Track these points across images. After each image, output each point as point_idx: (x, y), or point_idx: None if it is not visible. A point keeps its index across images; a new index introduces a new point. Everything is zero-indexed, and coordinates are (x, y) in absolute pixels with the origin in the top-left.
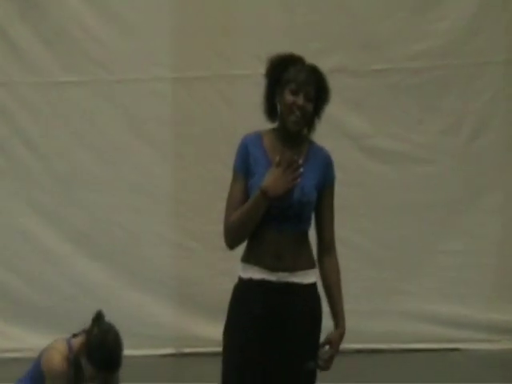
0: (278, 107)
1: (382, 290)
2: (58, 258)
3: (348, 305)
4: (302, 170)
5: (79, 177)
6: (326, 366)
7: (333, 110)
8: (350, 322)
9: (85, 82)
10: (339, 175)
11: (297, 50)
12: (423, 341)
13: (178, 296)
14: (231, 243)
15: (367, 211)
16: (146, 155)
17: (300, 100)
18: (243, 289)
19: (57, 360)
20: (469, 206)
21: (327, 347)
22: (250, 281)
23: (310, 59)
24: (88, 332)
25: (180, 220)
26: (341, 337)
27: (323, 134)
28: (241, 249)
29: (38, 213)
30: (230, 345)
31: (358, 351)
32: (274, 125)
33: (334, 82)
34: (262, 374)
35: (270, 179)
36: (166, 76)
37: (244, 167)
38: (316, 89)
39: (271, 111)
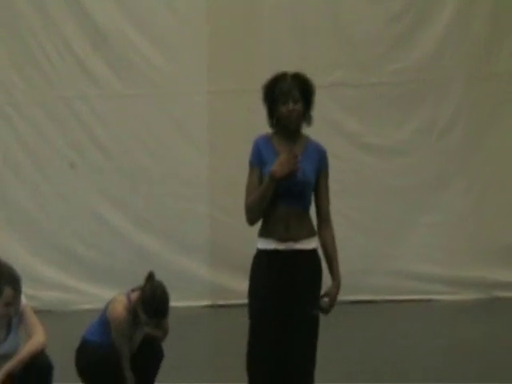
0: (278, 117)
1: (373, 253)
2: (121, 233)
3: (346, 265)
4: (300, 157)
5: (138, 171)
6: (327, 312)
7: (334, 114)
8: (347, 279)
9: (141, 95)
10: (339, 165)
11: (308, 67)
12: (404, 293)
13: (213, 259)
14: (251, 220)
15: (361, 192)
16: (188, 151)
17: (290, 106)
18: (261, 257)
19: (119, 310)
20: (439, 189)
21: (326, 298)
22: (265, 251)
23: (318, 74)
24: (142, 288)
25: (215, 199)
26: (337, 289)
27: (326, 134)
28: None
29: (107, 199)
30: (254, 301)
31: (354, 302)
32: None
33: (336, 93)
34: (279, 320)
35: (276, 165)
36: (203, 89)
37: (257, 161)
38: (301, 89)
39: (273, 124)
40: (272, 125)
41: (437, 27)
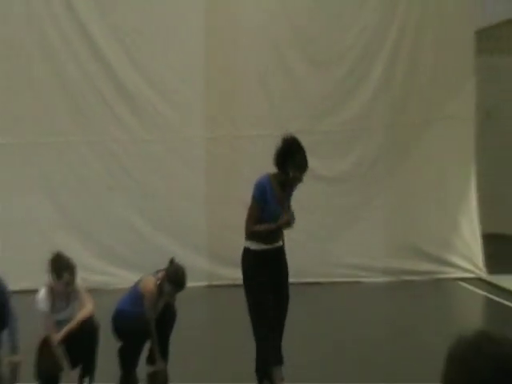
0: (288, 175)
1: (319, 250)
2: (142, 235)
3: (300, 259)
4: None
5: (153, 192)
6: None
7: None
8: (301, 268)
9: (155, 140)
10: (299, 190)
11: (275, 118)
12: (340, 277)
13: (209, 250)
14: (250, 236)
15: (314, 209)
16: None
17: (302, 178)
18: (253, 255)
19: (151, 285)
20: (365, 205)
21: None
22: (256, 250)
23: (282, 124)
24: (167, 268)
25: (211, 212)
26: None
27: None
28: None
29: (137, 213)
30: (253, 281)
31: (303, 283)
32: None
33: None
34: (272, 290)
35: (283, 221)
36: (201, 135)
37: (262, 200)
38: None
39: (280, 169)
40: (279, 169)
41: (367, 91)
